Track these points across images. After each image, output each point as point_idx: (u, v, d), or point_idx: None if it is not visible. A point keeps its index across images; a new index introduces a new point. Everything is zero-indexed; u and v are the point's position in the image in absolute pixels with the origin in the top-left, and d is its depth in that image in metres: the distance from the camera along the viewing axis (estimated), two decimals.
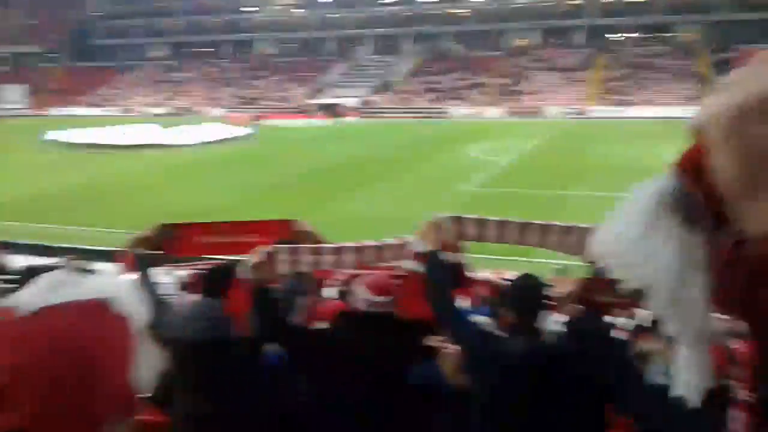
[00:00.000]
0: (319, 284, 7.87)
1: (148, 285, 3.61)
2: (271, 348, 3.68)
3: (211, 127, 42.08)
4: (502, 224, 3.38)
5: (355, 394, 3.16)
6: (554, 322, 3.08)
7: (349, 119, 54.12)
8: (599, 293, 3.01)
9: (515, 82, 63.00)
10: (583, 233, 3.27)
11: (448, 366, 3.24)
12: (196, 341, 3.22)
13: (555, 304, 3.08)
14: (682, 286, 0.58)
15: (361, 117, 58.00)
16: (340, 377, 3.18)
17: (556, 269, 12.12)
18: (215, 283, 3.37)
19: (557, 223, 3.39)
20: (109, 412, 1.51)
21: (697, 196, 0.56)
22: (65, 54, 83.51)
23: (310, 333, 3.57)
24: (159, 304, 3.49)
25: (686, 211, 0.55)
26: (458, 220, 3.38)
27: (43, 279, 1.20)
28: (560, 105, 55.91)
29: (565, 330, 3.02)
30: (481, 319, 3.83)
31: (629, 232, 0.57)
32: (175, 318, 3.38)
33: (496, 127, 47.47)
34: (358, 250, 3.43)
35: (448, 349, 3.40)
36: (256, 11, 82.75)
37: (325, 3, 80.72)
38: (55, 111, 67.32)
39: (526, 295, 2.96)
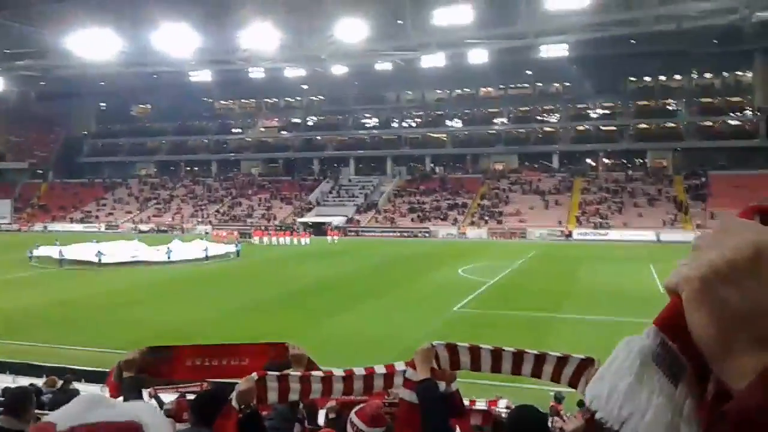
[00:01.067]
0: (314, 410, 7.74)
1: None
2: None
3: (197, 245, 42.13)
4: (496, 353, 3.36)
5: None
6: None
7: (334, 238, 54.64)
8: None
9: (495, 203, 64.62)
10: (578, 364, 3.31)
11: None
12: None
13: None
14: None
15: (346, 235, 58.64)
16: None
17: (554, 396, 11.99)
18: (203, 410, 3.26)
19: (552, 353, 3.38)
20: None
21: (677, 350, 0.63)
22: (52, 170, 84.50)
23: None
24: None
25: (669, 365, 0.61)
26: (452, 347, 3.34)
27: (83, 397, 1.29)
28: (542, 227, 57.14)
29: None
30: None
31: (620, 387, 0.53)
32: None
33: (481, 246, 48.12)
34: (348, 378, 3.38)
35: None
36: (241, 132, 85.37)
37: (309, 126, 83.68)
38: (40, 226, 67.18)
39: (526, 427, 2.90)
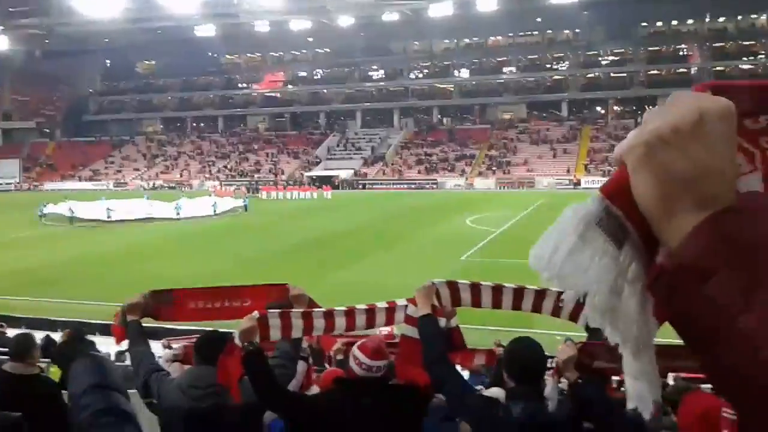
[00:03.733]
0: (321, 352, 7.88)
1: (140, 353, 3.55)
2: (271, 416, 3.64)
3: (205, 200, 42.33)
4: (496, 289, 3.41)
5: None
6: (554, 387, 3.05)
7: (341, 191, 54.73)
8: (599, 359, 2.99)
9: (503, 153, 64.27)
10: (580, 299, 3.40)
11: None
12: (191, 409, 3.15)
13: (555, 369, 3.06)
14: (617, 297, 0.65)
15: (354, 188, 58.69)
16: None
17: (565, 341, 12.13)
18: (208, 350, 3.27)
19: (553, 288, 3.31)
20: None
21: (621, 216, 0.63)
22: (59, 129, 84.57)
23: (305, 399, 3.51)
24: (153, 372, 3.44)
25: (613, 230, 0.62)
26: (453, 284, 3.38)
27: None
28: (549, 176, 56.89)
29: (566, 396, 2.99)
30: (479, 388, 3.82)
31: (563, 247, 0.54)
32: (170, 386, 3.31)
33: (489, 197, 48.08)
34: (349, 314, 3.41)
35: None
36: (247, 87, 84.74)
37: (315, 79, 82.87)
38: (49, 185, 67.63)
39: (525, 360, 2.93)
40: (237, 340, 3.05)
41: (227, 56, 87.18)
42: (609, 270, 0.64)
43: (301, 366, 4.43)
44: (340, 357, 6.11)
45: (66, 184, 67.05)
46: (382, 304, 3.49)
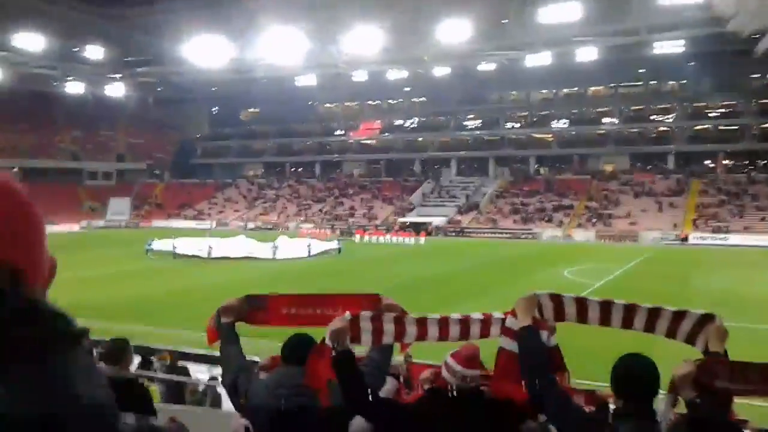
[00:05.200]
0: (411, 379, 7.63)
1: (231, 352, 3.58)
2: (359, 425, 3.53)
3: (301, 242, 43.12)
4: (605, 305, 3.17)
5: None
6: (668, 406, 2.81)
7: (434, 237, 54.40)
8: (721, 378, 2.72)
9: (604, 205, 62.20)
10: (698, 319, 3.09)
11: None
12: (278, 409, 3.14)
13: (671, 386, 2.77)
14: None
15: (447, 236, 58.24)
16: None
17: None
18: (295, 350, 3.29)
19: (668, 307, 3.15)
20: None
21: None
22: (167, 171, 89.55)
23: (395, 406, 3.43)
24: (242, 370, 3.48)
25: None
26: (557, 297, 3.19)
27: None
28: (654, 230, 54.38)
29: (681, 416, 2.74)
30: None
31: None
32: (258, 385, 3.35)
33: (588, 249, 46.41)
34: (443, 323, 3.33)
35: None
36: (344, 134, 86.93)
37: (411, 128, 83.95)
38: (155, 223, 71.18)
39: (636, 376, 2.69)
40: (328, 341, 3.02)
41: (326, 105, 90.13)
42: None
43: (390, 383, 4.31)
44: (427, 386, 5.91)
45: (171, 223, 70.31)
46: (477, 315, 3.37)
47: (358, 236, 54.80)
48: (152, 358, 11.68)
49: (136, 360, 12.16)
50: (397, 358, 5.38)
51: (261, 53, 62.79)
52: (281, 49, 60.79)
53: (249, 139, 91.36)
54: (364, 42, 58.42)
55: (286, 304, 3.88)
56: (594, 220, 59.51)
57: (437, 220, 62.68)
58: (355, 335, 3.18)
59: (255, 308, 3.84)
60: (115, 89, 76.01)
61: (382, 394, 3.77)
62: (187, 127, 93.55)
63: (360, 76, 70.28)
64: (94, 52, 67.52)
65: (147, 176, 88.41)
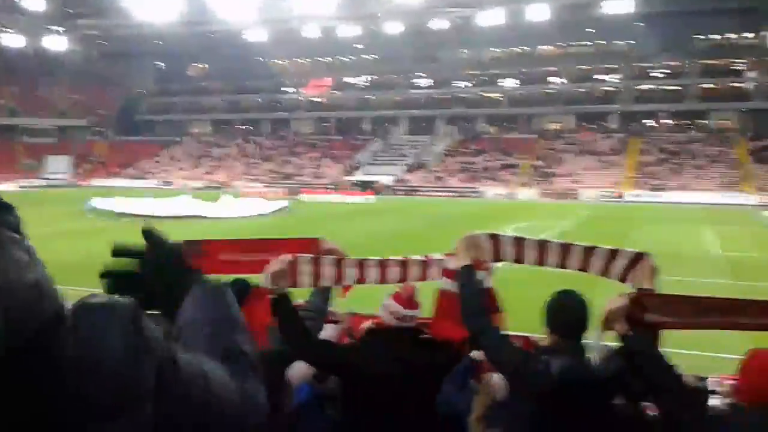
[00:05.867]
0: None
1: None
2: (299, 379, 3.54)
3: (248, 201, 42.74)
4: (542, 245, 3.22)
5: (380, 418, 3.00)
6: (599, 340, 2.89)
7: (383, 196, 54.64)
8: (653, 311, 2.79)
9: (548, 164, 63.34)
10: (632, 257, 3.14)
11: (479, 405, 3.12)
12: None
13: (602, 320, 2.83)
14: None
15: (395, 194, 58.58)
16: (365, 399, 3.00)
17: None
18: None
19: (602, 246, 3.21)
20: None
21: None
22: (110, 128, 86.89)
23: (336, 348, 3.43)
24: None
25: None
26: (496, 237, 3.24)
27: None
28: (595, 188, 55.81)
29: (613, 351, 2.83)
30: None
31: None
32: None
33: (531, 207, 47.38)
34: (383, 264, 3.33)
35: (491, 380, 3.31)
36: (294, 92, 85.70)
37: (362, 86, 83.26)
38: (97, 182, 69.41)
39: (567, 313, 2.81)
40: (265, 283, 2.97)
41: (276, 61, 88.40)
42: None
43: (332, 330, 4.31)
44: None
45: (114, 182, 68.68)
46: (416, 257, 3.38)
47: (305, 195, 54.61)
48: None
49: None
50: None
51: (210, 6, 61.02)
52: (231, 3, 59.13)
53: (196, 95, 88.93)
54: None
55: (222, 249, 3.73)
56: (538, 179, 60.66)
57: (385, 179, 62.86)
58: (294, 278, 3.14)
59: (192, 255, 3.50)
60: (56, 42, 72.79)
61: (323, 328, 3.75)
62: (132, 83, 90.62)
63: (312, 32, 69.08)
64: (33, 2, 64.37)
65: (89, 134, 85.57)
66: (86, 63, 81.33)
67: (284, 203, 43.73)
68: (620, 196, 53.57)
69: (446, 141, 72.10)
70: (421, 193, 59.47)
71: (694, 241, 28.48)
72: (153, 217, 36.61)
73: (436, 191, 59.59)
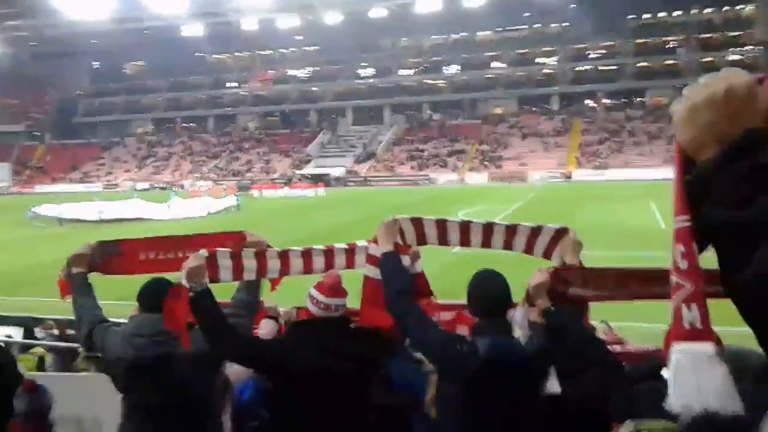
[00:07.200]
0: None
1: (85, 305, 3.33)
2: (238, 379, 3.46)
3: (197, 201, 42.06)
4: (465, 226, 3.22)
5: (313, 413, 2.91)
6: (524, 317, 2.83)
7: (333, 189, 54.50)
8: (575, 285, 2.76)
9: (494, 148, 64.23)
10: (553, 234, 3.20)
11: (433, 385, 3.05)
12: (135, 360, 2.94)
13: (525, 296, 2.83)
14: None
15: (346, 186, 58.50)
16: (295, 394, 2.91)
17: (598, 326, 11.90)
18: (152, 296, 3.03)
19: (525, 223, 3.25)
20: None
21: None
22: (48, 132, 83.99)
23: (260, 343, 3.29)
24: (97, 323, 3.22)
25: None
26: (418, 221, 3.22)
27: None
28: (541, 170, 56.88)
29: (537, 326, 2.77)
30: None
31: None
32: (113, 336, 3.09)
33: (481, 192, 47.99)
34: (307, 254, 3.25)
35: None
36: (237, 86, 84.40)
37: (304, 77, 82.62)
38: (39, 188, 67.15)
39: (488, 292, 2.77)
40: (183, 281, 2.82)
41: (216, 56, 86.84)
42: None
43: (269, 326, 4.16)
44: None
45: (57, 187, 66.54)
46: (341, 245, 3.32)
47: (255, 191, 54.04)
48: (36, 328, 11.27)
49: (16, 332, 11.76)
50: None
51: (143, 2, 59.45)
52: None
53: (135, 94, 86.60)
54: None
55: (142, 248, 3.58)
56: (486, 163, 61.46)
57: (336, 171, 62.71)
58: (213, 273, 2.96)
59: (108, 255, 3.55)
60: None
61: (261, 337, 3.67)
62: (68, 84, 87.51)
63: (250, 24, 68.07)
64: None
65: (26, 138, 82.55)
66: (17, 65, 78.26)
67: (234, 201, 43.20)
68: (570, 176, 54.69)
69: (393, 130, 72.27)
70: (373, 183, 59.52)
71: (638, 217, 29.38)
72: (97, 221, 35.75)
73: (388, 181, 59.80)
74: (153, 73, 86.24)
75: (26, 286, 19.70)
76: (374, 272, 3.07)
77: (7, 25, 67.04)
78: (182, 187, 61.55)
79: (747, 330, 0.87)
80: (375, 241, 3.12)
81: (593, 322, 3.51)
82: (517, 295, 2.91)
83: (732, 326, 1.67)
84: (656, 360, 2.52)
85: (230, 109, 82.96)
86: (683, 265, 1.00)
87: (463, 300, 3.01)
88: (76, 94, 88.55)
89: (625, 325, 10.65)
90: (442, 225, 3.21)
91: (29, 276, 21.55)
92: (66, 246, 3.69)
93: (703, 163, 0.90)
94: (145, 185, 64.59)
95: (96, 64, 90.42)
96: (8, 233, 32.82)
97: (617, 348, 4.59)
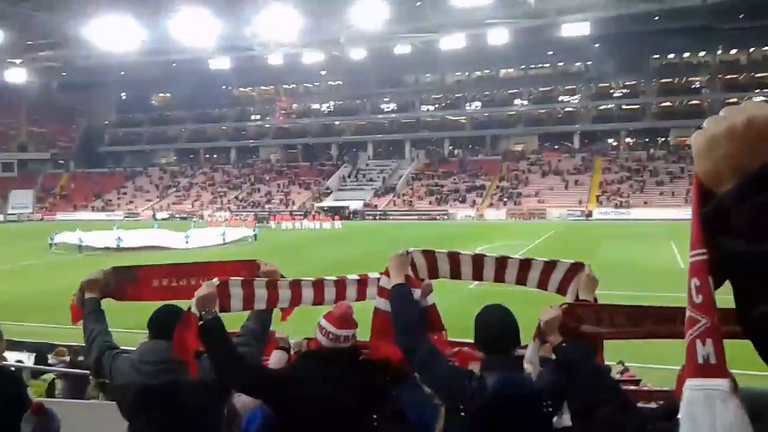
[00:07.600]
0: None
1: (95, 331, 3.29)
2: (246, 408, 3.39)
3: (215, 230, 42.35)
4: (477, 259, 3.17)
5: None
6: (534, 352, 2.78)
7: (352, 221, 54.56)
8: (587, 322, 2.73)
9: (514, 185, 64.05)
10: (568, 268, 3.10)
11: (443, 416, 2.97)
12: (142, 387, 2.92)
13: (537, 331, 2.77)
14: None
15: (364, 219, 58.54)
16: (300, 425, 2.86)
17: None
18: (162, 323, 3.02)
19: (539, 258, 3.17)
20: None
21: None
22: (73, 160, 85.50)
23: (268, 373, 3.26)
24: (106, 350, 3.20)
25: None
26: (430, 254, 3.16)
27: None
28: (560, 207, 56.52)
29: (548, 362, 2.75)
30: None
31: None
32: (122, 363, 3.08)
33: (499, 228, 47.75)
34: (317, 285, 3.22)
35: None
36: (260, 119, 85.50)
37: (327, 111, 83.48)
38: (61, 215, 68.07)
39: (496, 327, 2.74)
40: (194, 309, 2.80)
41: (240, 89, 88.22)
42: None
43: (279, 356, 4.11)
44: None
45: (79, 215, 67.45)
46: (353, 277, 3.29)
47: (274, 222, 54.26)
48: (48, 355, 11.25)
49: (27, 357, 11.71)
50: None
51: (172, 35, 60.61)
52: (193, 31, 58.75)
53: (161, 125, 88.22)
54: (279, 24, 57.22)
55: (157, 275, 3.58)
56: (505, 200, 61.25)
57: (354, 204, 62.86)
58: (224, 302, 2.96)
59: (123, 281, 3.53)
60: (16, 75, 71.36)
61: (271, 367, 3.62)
62: (94, 114, 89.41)
63: (275, 59, 69.10)
64: None
65: (51, 167, 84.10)
66: (46, 95, 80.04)
67: (251, 231, 43.40)
68: (590, 214, 54.29)
69: (413, 164, 72.49)
70: (391, 217, 59.52)
71: (657, 256, 28.93)
72: (115, 249, 36.04)
73: (406, 215, 59.77)
74: (179, 104, 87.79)
75: (42, 313, 19.77)
76: (384, 304, 3.04)
77: (38, 55, 68.62)
78: (202, 217, 62.06)
79: (763, 371, 0.91)
80: (387, 273, 3.07)
81: (610, 363, 3.35)
82: (529, 330, 2.83)
83: (748, 370, 1.55)
84: (672, 400, 2.38)
85: (252, 141, 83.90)
86: (698, 299, 0.97)
87: None
88: (103, 124, 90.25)
89: (646, 366, 10.32)
90: (454, 258, 3.17)
91: (45, 302, 21.66)
92: (83, 273, 3.63)
93: (721, 196, 0.88)
94: (166, 215, 65.20)
95: (123, 95, 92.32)
96: (28, 259, 33.19)
97: (631, 387, 4.43)
